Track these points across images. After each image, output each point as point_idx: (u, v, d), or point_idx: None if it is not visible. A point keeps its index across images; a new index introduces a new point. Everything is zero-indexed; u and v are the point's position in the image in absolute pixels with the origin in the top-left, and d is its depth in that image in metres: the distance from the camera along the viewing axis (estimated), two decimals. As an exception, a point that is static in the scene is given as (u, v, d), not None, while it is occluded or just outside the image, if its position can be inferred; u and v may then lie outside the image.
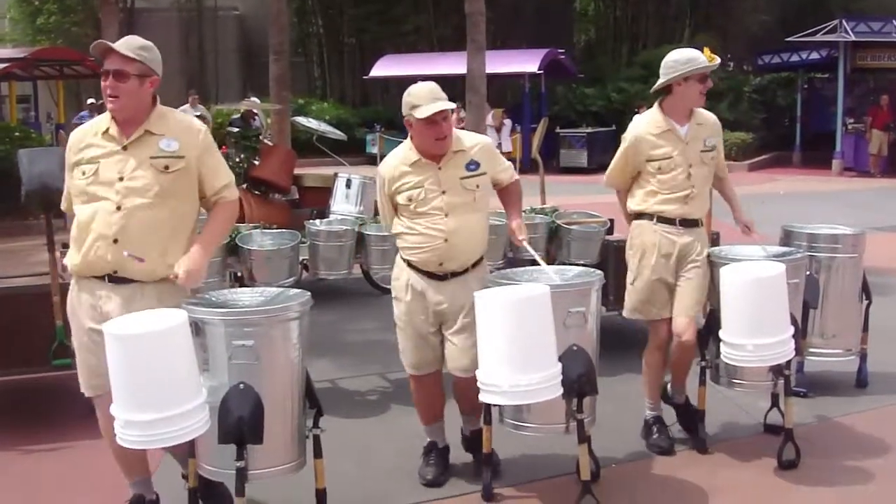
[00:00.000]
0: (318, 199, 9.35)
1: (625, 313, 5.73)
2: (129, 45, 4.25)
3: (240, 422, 3.82)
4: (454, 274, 4.94)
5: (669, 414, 5.76)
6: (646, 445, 5.64)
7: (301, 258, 6.76)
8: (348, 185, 8.88)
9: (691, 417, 5.65)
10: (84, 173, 4.23)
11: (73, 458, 5.62)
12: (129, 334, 3.65)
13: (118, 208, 4.16)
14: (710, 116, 5.68)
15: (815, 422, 6.01)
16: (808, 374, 6.47)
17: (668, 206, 5.47)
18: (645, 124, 5.57)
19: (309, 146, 11.71)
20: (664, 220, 5.49)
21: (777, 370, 5.22)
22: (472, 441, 5.30)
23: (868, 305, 6.59)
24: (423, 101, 4.82)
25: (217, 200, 4.41)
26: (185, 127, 4.38)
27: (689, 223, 5.51)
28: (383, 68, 28.13)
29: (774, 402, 5.70)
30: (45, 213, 6.25)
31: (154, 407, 3.62)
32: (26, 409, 6.52)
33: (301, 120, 11.75)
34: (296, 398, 4.14)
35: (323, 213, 8.67)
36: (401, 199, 4.93)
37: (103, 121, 4.33)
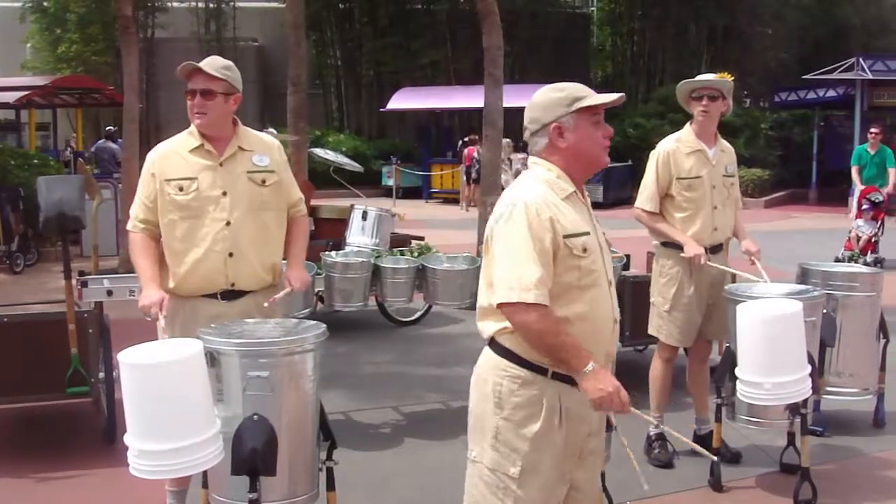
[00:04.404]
0: (334, 231, 9.37)
1: (667, 340, 5.87)
2: (213, 65, 4.39)
3: (253, 453, 3.80)
4: None
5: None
6: (647, 461, 5.79)
7: (316, 290, 6.76)
8: (364, 217, 8.89)
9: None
10: (182, 189, 4.36)
11: (90, 486, 5.60)
12: (143, 363, 3.63)
13: (227, 223, 4.35)
14: (730, 146, 5.96)
15: (832, 461, 5.96)
16: (824, 412, 6.43)
17: (699, 235, 5.68)
18: (676, 141, 5.73)
19: (326, 178, 11.75)
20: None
21: (794, 409, 5.19)
22: None
23: (886, 344, 6.56)
24: (585, 91, 3.36)
25: (294, 214, 4.67)
26: (267, 143, 4.60)
27: (715, 249, 5.79)
28: (400, 101, 28.25)
29: (791, 441, 5.67)
30: (62, 240, 6.27)
31: (168, 437, 3.59)
32: (42, 436, 6.51)
33: (318, 151, 11.79)
34: (310, 430, 4.12)
35: (339, 244, 8.67)
36: (577, 253, 3.21)
37: (188, 138, 4.47)
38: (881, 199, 14.05)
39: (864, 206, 14.04)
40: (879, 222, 14.00)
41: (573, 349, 3.13)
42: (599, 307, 3.28)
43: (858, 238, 13.93)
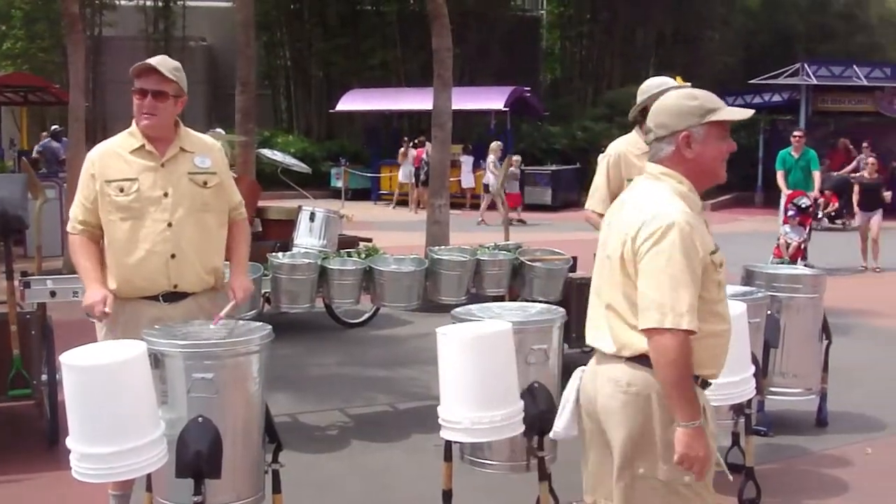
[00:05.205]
0: (281, 232, 9.33)
1: None
2: (165, 65, 4.34)
3: (198, 456, 3.77)
4: None
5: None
6: None
7: (263, 291, 6.72)
8: (312, 218, 8.86)
9: None
10: (122, 190, 4.30)
11: (32, 489, 5.52)
12: (86, 365, 3.58)
13: (169, 224, 4.30)
14: None
15: (776, 460, 6.03)
16: (768, 413, 6.50)
17: None
18: (626, 144, 5.74)
19: (273, 179, 11.70)
20: None
21: (738, 409, 5.23)
22: None
23: (828, 345, 6.64)
24: (717, 102, 3.38)
25: (235, 217, 4.62)
26: (208, 145, 4.56)
27: None
28: (349, 102, 28.18)
29: (735, 441, 5.71)
30: (4, 240, 6.17)
31: (111, 440, 3.55)
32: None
33: (266, 152, 11.73)
34: (255, 432, 4.09)
35: (286, 246, 8.63)
36: (718, 269, 3.28)
37: (129, 139, 4.41)
38: (808, 203, 13.96)
39: (791, 212, 13.89)
40: (807, 228, 13.97)
41: (692, 392, 3.10)
42: (729, 319, 3.31)
43: (788, 245, 13.82)
